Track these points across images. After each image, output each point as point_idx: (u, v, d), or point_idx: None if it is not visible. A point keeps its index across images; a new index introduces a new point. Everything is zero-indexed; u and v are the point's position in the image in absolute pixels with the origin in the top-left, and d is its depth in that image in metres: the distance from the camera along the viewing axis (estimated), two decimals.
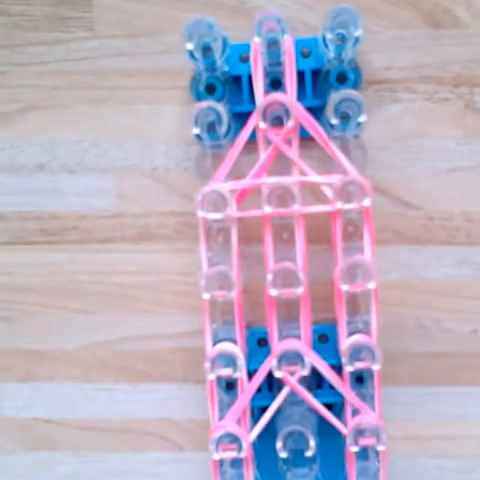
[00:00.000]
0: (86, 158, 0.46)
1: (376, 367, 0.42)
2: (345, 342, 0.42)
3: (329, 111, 0.41)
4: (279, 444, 0.42)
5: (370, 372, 0.42)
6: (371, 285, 0.41)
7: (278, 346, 0.42)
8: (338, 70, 0.43)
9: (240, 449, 0.42)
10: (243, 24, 0.44)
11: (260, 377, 0.43)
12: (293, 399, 0.43)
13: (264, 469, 0.44)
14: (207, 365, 0.42)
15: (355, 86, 0.43)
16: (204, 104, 0.41)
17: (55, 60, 0.46)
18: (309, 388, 0.43)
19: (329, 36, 0.41)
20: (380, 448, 0.42)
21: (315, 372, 0.43)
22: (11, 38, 0.46)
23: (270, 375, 0.42)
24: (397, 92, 0.45)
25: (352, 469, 0.43)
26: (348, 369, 0.42)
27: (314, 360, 0.42)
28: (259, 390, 0.44)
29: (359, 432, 0.42)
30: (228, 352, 0.42)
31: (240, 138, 0.42)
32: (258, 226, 0.43)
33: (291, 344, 0.42)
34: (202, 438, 0.46)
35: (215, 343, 0.43)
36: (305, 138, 0.42)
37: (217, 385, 0.42)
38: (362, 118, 0.41)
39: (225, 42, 0.43)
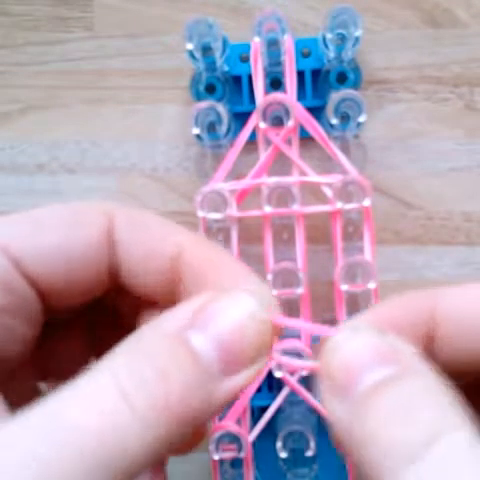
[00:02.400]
0: (86, 158, 0.46)
1: (372, 285, 0.41)
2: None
3: (329, 111, 0.41)
4: (279, 444, 0.42)
5: None
6: (371, 285, 0.41)
7: (278, 346, 0.42)
8: (338, 70, 0.43)
9: (240, 449, 0.42)
10: (243, 24, 0.44)
11: (260, 377, 0.43)
12: (293, 399, 0.43)
13: (264, 469, 0.44)
14: None
15: (355, 86, 0.43)
16: (204, 104, 0.41)
17: (55, 60, 0.46)
18: (309, 388, 0.43)
19: (329, 36, 0.41)
20: None
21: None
22: (11, 38, 0.46)
23: (270, 375, 0.42)
24: (397, 92, 0.45)
25: (352, 469, 0.43)
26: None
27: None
28: (259, 390, 0.44)
29: None
30: None
31: (240, 138, 0.42)
32: (258, 226, 0.43)
33: (291, 344, 0.42)
34: None
35: None
36: (305, 138, 0.42)
37: None
38: (362, 118, 0.41)
39: (225, 42, 0.43)
